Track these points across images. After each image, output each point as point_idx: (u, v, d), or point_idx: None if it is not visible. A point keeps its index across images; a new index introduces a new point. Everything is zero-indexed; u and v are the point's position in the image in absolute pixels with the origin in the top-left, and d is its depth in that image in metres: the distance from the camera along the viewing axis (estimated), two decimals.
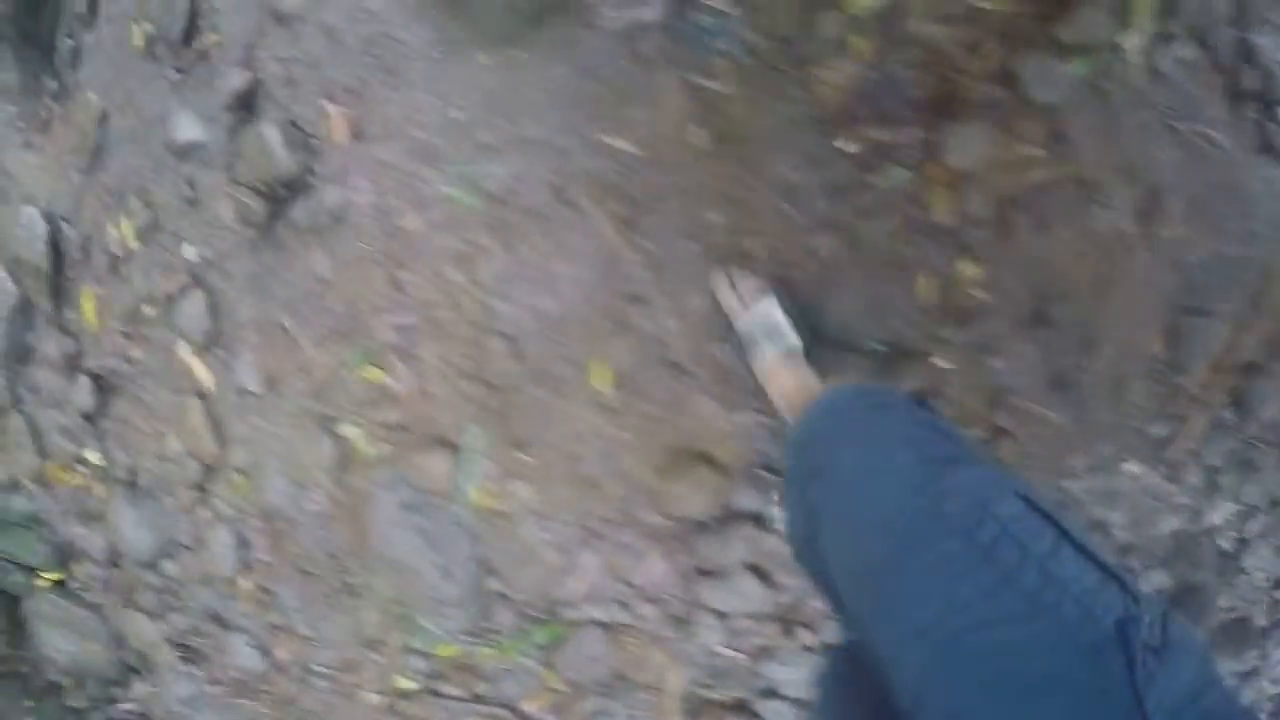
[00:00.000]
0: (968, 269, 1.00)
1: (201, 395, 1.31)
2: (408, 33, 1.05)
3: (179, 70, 1.29)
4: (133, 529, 1.47)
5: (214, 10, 1.25)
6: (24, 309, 1.54)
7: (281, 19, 1.17)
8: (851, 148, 0.95)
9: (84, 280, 1.44)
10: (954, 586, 0.43)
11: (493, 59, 0.99)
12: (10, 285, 1.53)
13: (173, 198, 1.30)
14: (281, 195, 1.13)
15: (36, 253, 1.47)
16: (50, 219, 1.47)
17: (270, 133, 1.11)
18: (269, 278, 1.18)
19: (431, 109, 1.02)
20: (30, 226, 1.48)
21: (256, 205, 1.15)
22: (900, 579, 0.46)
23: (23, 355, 1.57)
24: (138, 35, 1.33)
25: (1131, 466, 1.12)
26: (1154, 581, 1.17)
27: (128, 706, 1.85)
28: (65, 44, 1.44)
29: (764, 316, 0.95)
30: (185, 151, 1.27)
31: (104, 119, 1.39)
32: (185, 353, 1.30)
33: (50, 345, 1.52)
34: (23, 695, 1.87)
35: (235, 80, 1.17)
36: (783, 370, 0.94)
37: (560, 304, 1.01)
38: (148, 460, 1.43)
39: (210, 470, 1.34)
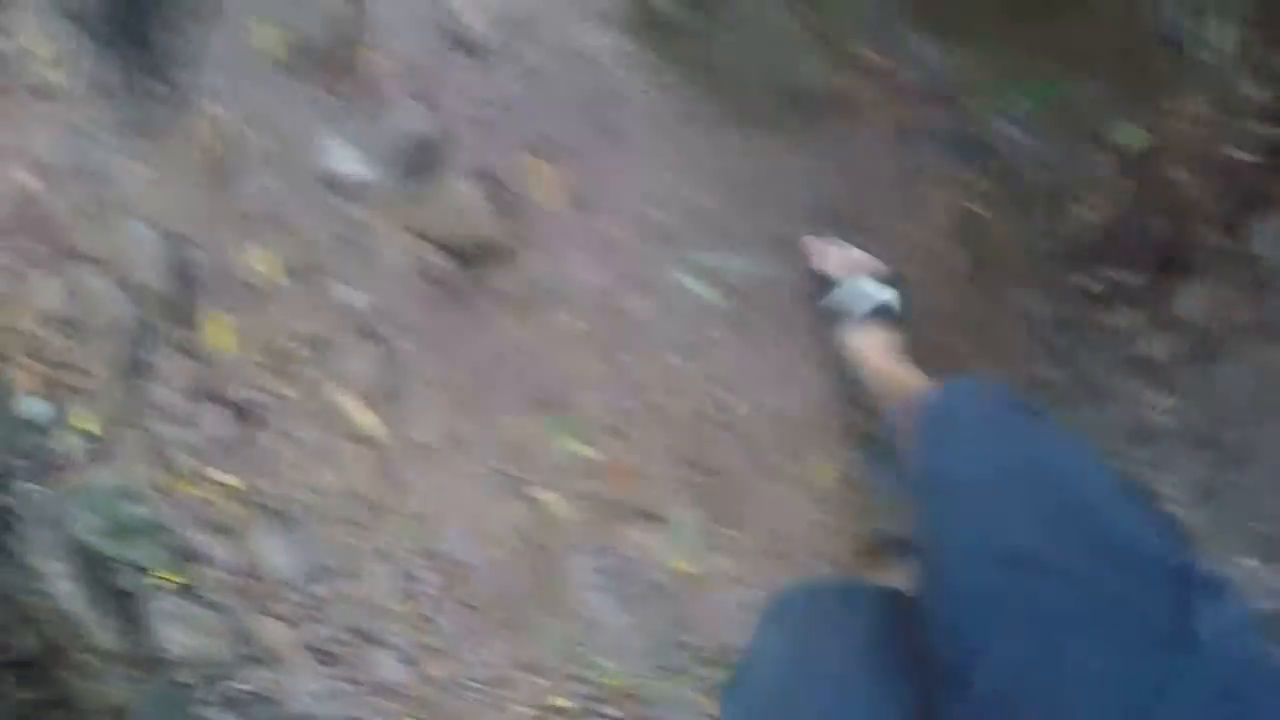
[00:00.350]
0: (1164, 400, 1.02)
1: (366, 441, 1.23)
2: (640, 93, 0.92)
3: (331, 92, 1.12)
4: (277, 553, 1.43)
5: (377, 24, 1.07)
6: (141, 326, 1.40)
7: (470, 49, 1.01)
8: (1091, 285, 0.94)
9: (213, 306, 1.31)
10: (1024, 519, 0.45)
11: (746, 142, 0.88)
12: (125, 304, 1.38)
13: (327, 235, 1.16)
14: (475, 256, 1.02)
15: (155, 275, 1.32)
16: (169, 238, 1.31)
17: (466, 188, 0.99)
18: (453, 337, 1.09)
19: (668, 185, 0.92)
20: (145, 246, 1.32)
21: (443, 263, 1.04)
22: (976, 511, 0.48)
23: (140, 371, 1.45)
24: (273, 43, 1.14)
25: (1248, 560, 1.19)
26: None
27: (241, 686, 1.87)
28: (176, 43, 1.22)
29: (864, 290, 0.90)
30: (342, 187, 1.13)
31: (232, 135, 1.22)
32: (347, 398, 1.22)
33: (172, 366, 1.40)
34: (125, 666, 1.86)
35: (416, 120, 1.02)
36: (873, 345, 0.89)
37: (794, 404, 0.96)
38: (297, 491, 1.36)
39: (374, 510, 1.29)
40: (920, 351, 0.94)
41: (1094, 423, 1.01)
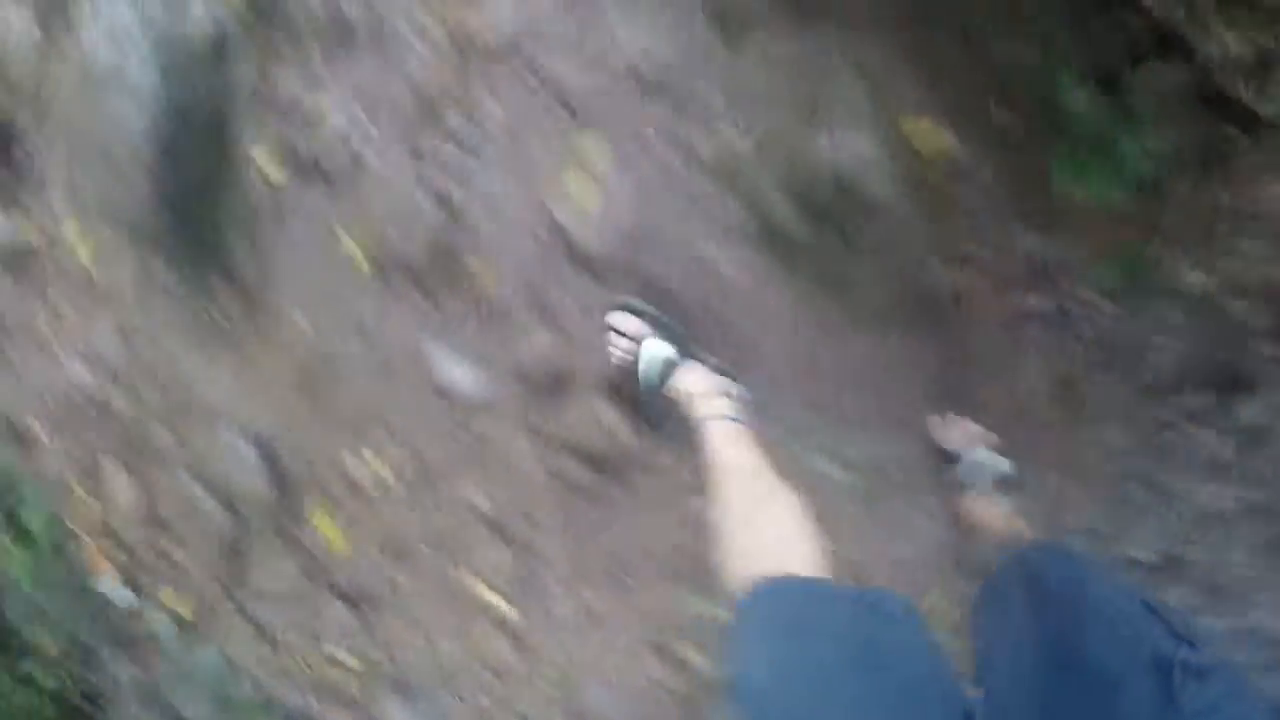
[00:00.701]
0: (1226, 490, 1.08)
1: (495, 619, 1.23)
2: (764, 297, 0.93)
3: (432, 302, 1.08)
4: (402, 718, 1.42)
5: (477, 234, 1.01)
6: (233, 520, 1.34)
7: (584, 263, 0.97)
8: (1166, 414, 1.02)
9: (317, 504, 1.27)
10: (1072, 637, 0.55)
11: (866, 339, 0.91)
12: (209, 498, 1.32)
13: (442, 441, 1.14)
14: (610, 463, 1.02)
15: (244, 474, 1.27)
16: (257, 440, 1.26)
17: (596, 402, 0.98)
18: (588, 528, 1.09)
19: (791, 382, 0.94)
20: (229, 446, 1.26)
21: (577, 468, 1.04)
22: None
23: (236, 559, 1.39)
24: (359, 249, 1.09)
25: (1259, 614, 1.32)
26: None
27: None
28: (241, 245, 1.15)
29: (983, 461, 0.98)
30: (457, 397, 1.10)
31: (320, 341, 1.17)
32: (472, 582, 1.21)
33: (273, 556, 1.36)
34: None
35: (534, 335, 1.00)
36: (993, 512, 0.98)
37: (911, 550, 1.02)
38: (422, 664, 1.34)
39: (505, 676, 1.29)
40: (1021, 497, 1.00)
41: (1167, 524, 1.09)
